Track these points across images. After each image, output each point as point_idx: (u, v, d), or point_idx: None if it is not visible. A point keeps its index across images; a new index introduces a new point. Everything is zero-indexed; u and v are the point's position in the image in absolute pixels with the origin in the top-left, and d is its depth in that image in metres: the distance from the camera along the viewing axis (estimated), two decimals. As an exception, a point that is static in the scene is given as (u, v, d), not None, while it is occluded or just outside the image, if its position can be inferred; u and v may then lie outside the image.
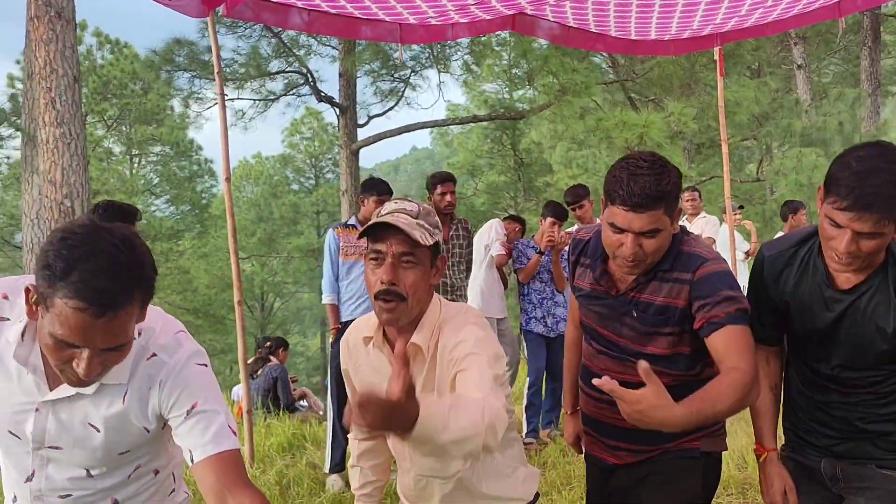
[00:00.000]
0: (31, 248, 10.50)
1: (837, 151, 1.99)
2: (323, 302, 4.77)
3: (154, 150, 28.70)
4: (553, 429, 5.48)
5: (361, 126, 17.51)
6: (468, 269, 5.16)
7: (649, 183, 1.85)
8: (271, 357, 8.00)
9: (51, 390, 1.58)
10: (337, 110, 16.59)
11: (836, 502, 2.11)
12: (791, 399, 2.19)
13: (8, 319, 1.58)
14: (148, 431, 1.66)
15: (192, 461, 1.60)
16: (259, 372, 7.72)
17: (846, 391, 2.01)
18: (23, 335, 1.55)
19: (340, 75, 16.15)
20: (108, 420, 1.61)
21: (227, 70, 15.99)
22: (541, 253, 5.24)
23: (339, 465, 4.49)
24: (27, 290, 1.49)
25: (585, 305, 2.20)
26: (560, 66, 11.74)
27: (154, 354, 1.62)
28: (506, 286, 5.82)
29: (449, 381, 1.77)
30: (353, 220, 4.74)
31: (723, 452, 2.23)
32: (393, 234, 1.78)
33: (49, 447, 1.63)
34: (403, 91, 18.30)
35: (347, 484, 4.30)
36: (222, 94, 4.74)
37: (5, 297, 1.59)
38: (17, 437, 1.62)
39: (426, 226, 1.82)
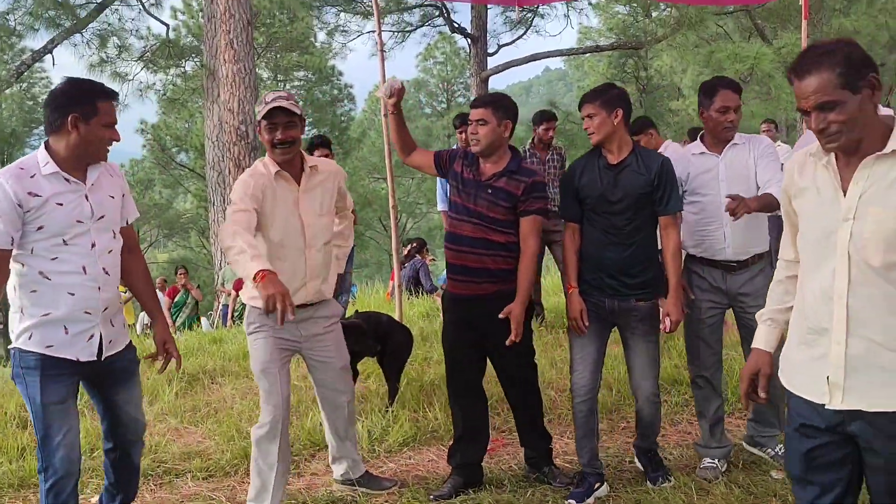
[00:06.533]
0: (213, 164, 12.67)
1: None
2: (438, 209, 6.25)
3: (298, 75, 30.78)
4: None
5: (491, 55, 18.71)
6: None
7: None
8: (417, 255, 9.93)
9: None
10: (468, 40, 17.87)
11: (611, 326, 3.51)
12: (589, 261, 3.43)
13: None
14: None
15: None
16: (406, 264, 9.63)
17: (623, 241, 3.35)
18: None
19: (472, 6, 17.29)
20: None
21: (368, 4, 17.51)
22: None
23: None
24: None
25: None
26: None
27: None
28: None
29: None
30: (456, 146, 6.18)
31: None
32: (279, 113, 3.16)
33: None
34: (532, 20, 19.31)
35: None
36: (381, 50, 6.28)
37: None
38: None
39: (293, 102, 3.19)
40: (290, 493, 3.70)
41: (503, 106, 3.43)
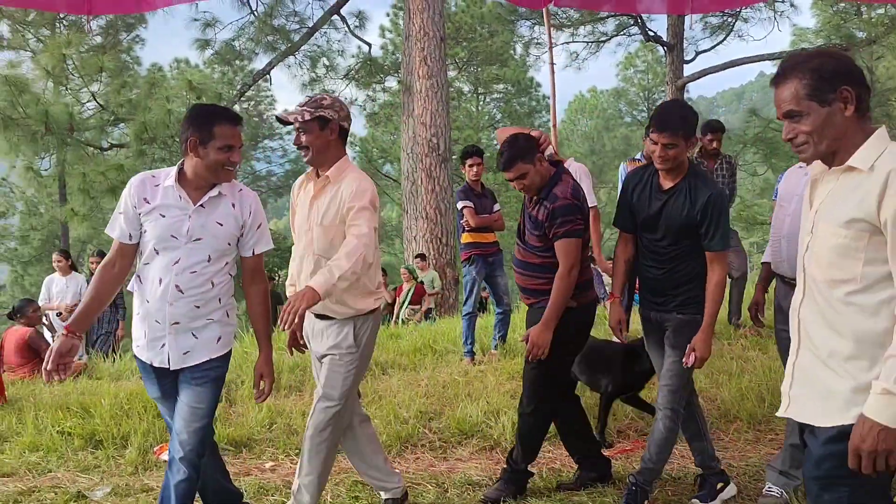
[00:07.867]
0: (408, 175, 13.42)
1: None
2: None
3: (498, 88, 31.51)
4: None
5: (688, 62, 18.26)
6: (731, 198, 6.39)
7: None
8: (591, 264, 10.10)
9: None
10: (664, 48, 17.57)
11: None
12: (639, 275, 3.48)
13: None
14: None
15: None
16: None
17: (661, 264, 3.34)
18: None
19: (669, 13, 17.00)
20: None
21: (563, 16, 17.75)
22: None
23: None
24: None
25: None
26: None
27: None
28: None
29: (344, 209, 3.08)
30: (639, 156, 6.19)
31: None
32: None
33: None
34: (733, 25, 18.63)
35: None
36: (552, 63, 6.51)
37: None
38: None
39: (306, 108, 3.08)
40: (433, 473, 4.03)
41: (526, 151, 3.44)
